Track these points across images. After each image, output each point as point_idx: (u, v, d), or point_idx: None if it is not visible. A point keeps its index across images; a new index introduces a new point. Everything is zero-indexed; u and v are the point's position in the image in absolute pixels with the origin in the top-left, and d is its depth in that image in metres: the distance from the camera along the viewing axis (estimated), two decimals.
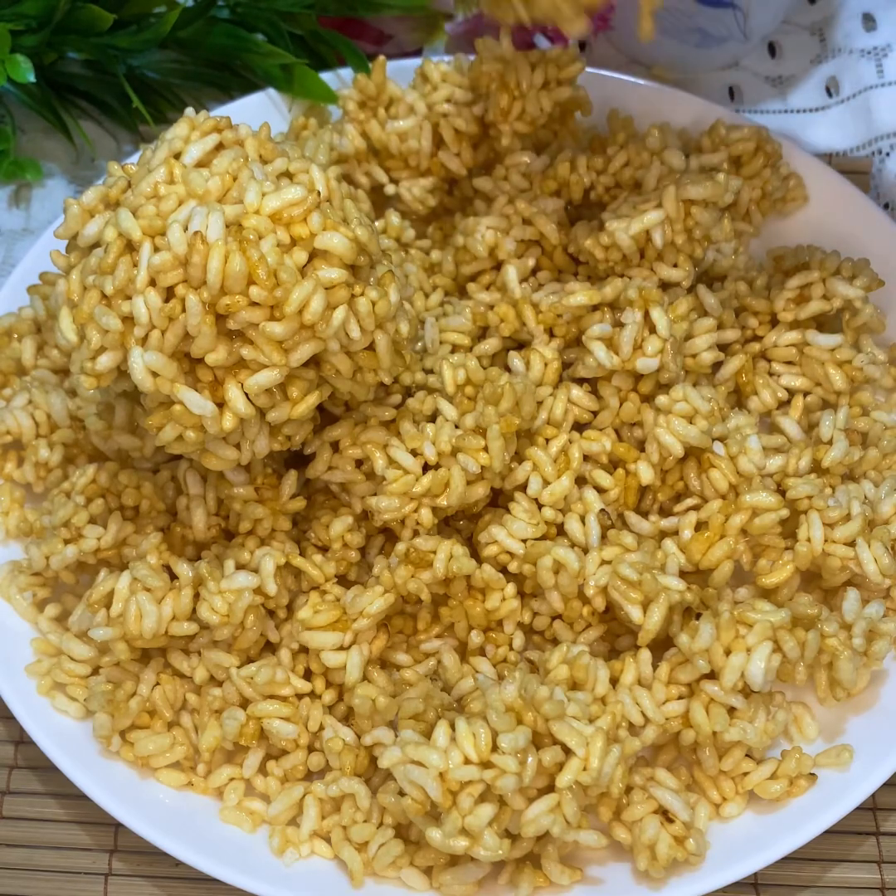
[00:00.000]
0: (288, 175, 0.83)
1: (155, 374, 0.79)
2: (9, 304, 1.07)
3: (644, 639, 0.88)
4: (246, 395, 0.80)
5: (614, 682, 0.88)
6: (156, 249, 0.78)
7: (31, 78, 1.21)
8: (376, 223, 1.07)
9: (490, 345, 1.00)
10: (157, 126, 1.23)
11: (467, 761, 0.79)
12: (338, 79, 1.19)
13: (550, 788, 0.81)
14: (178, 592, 0.88)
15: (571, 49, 1.05)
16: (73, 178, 1.30)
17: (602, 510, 0.92)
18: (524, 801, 0.80)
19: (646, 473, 0.94)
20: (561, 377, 0.98)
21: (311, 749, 0.90)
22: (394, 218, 1.08)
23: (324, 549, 0.93)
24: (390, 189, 1.11)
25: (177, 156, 0.82)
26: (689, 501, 0.94)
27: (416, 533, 0.90)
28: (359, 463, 0.91)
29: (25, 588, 0.96)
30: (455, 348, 0.98)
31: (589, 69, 1.09)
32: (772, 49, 1.40)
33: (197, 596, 0.89)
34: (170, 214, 0.78)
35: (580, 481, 0.94)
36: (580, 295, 0.96)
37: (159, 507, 0.94)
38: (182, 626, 0.89)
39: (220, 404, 0.80)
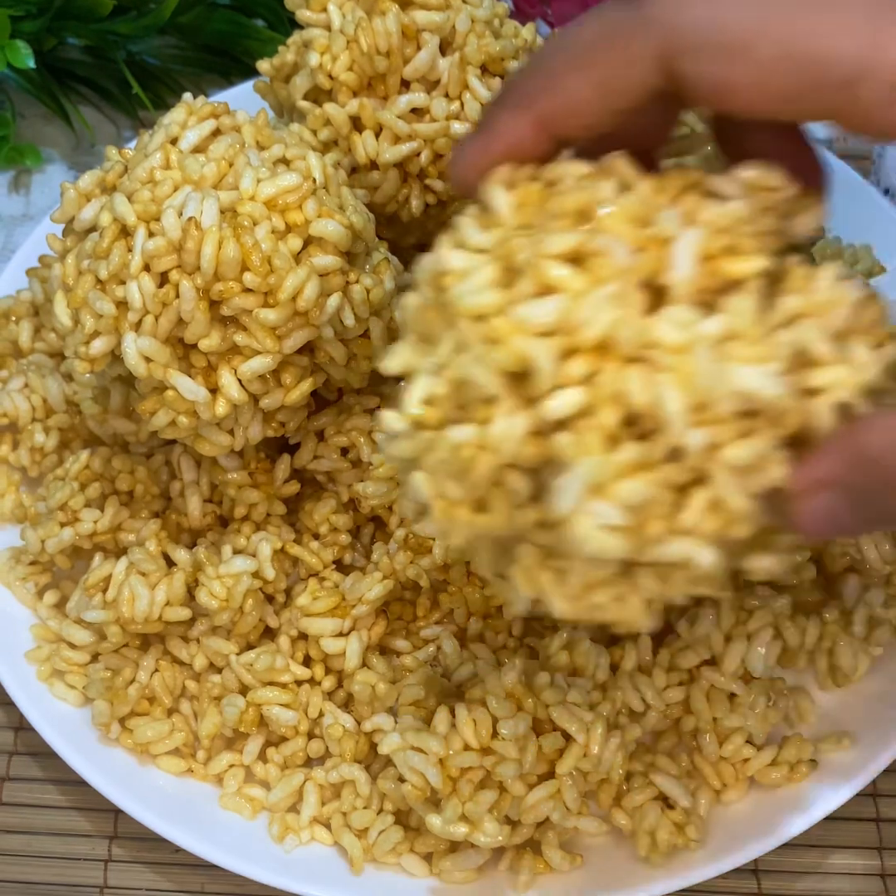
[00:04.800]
0: (284, 161, 0.82)
1: (148, 360, 0.78)
2: (9, 290, 1.07)
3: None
4: (239, 381, 0.80)
5: (615, 668, 0.87)
6: (150, 235, 0.77)
7: (31, 64, 1.21)
8: None
9: None
10: (157, 112, 1.23)
11: (467, 747, 0.79)
12: None
13: (550, 775, 0.81)
14: (171, 577, 0.88)
15: None
16: (72, 164, 1.30)
17: None
18: (524, 787, 0.80)
19: None
20: None
21: (310, 736, 0.90)
22: None
23: (318, 537, 0.93)
24: None
25: (173, 141, 0.81)
26: None
27: (403, 520, 0.90)
28: (344, 451, 0.91)
29: (25, 577, 0.96)
30: None
31: None
32: None
33: (196, 582, 0.89)
34: (165, 200, 0.78)
35: None
36: None
37: (153, 491, 0.94)
38: (176, 611, 0.89)
39: (214, 390, 0.80)
